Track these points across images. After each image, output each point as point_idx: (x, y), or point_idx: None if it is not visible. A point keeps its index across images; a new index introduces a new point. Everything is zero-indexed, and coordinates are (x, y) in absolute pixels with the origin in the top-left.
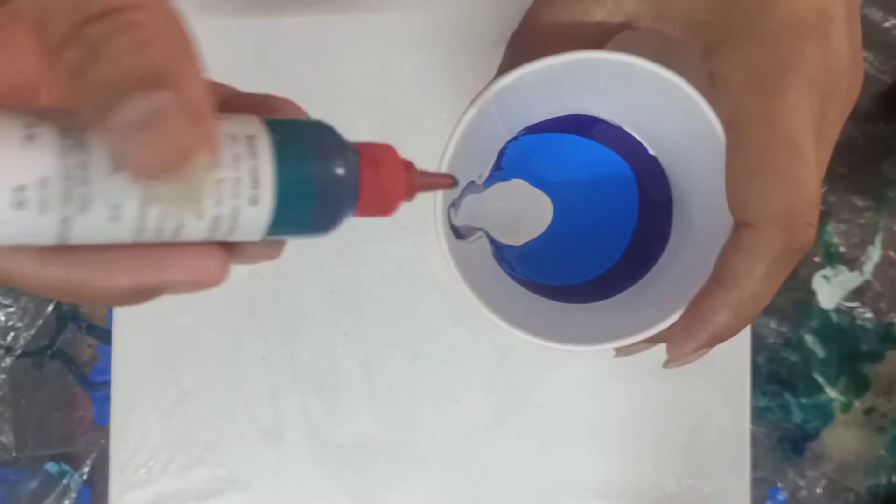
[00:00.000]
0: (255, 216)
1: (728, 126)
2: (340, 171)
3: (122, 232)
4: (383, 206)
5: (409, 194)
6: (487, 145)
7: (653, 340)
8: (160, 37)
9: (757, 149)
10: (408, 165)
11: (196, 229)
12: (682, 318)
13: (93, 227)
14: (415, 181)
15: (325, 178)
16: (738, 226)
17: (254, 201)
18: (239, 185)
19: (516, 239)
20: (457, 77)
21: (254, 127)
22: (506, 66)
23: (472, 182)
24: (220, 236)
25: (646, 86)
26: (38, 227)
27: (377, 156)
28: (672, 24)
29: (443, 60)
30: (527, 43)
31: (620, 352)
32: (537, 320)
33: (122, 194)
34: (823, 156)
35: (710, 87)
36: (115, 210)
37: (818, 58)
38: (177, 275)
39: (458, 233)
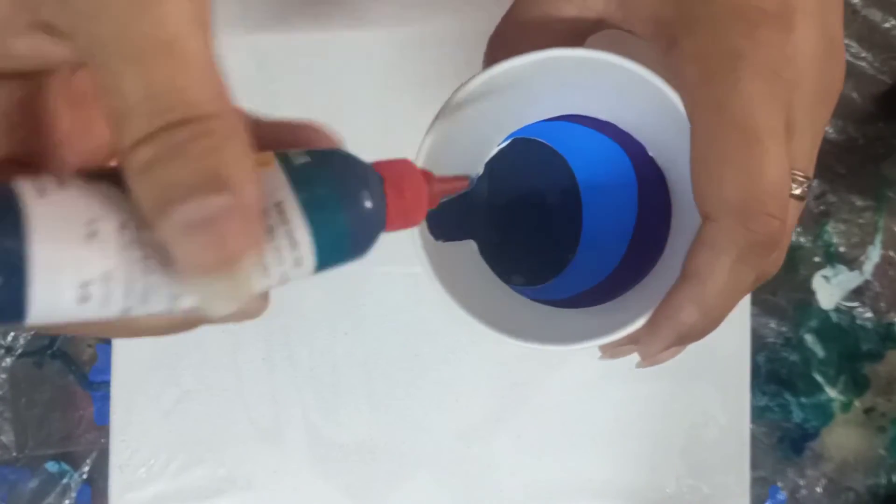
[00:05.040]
0: (301, 272)
1: (689, 119)
2: (368, 204)
3: (178, 310)
4: (411, 221)
5: (432, 203)
6: (476, 149)
7: (628, 341)
8: (227, 143)
9: (708, 135)
10: (427, 176)
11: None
12: (650, 316)
13: (151, 311)
14: (435, 190)
15: (356, 216)
16: (703, 220)
17: (298, 262)
18: (280, 252)
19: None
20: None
21: (279, 190)
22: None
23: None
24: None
25: (632, 87)
26: (100, 316)
27: (399, 174)
28: (639, 24)
29: (446, 74)
30: (502, 45)
31: (605, 353)
32: (516, 319)
33: (179, 286)
34: (801, 148)
35: (673, 83)
36: (173, 299)
37: (777, 45)
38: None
39: (440, 233)
